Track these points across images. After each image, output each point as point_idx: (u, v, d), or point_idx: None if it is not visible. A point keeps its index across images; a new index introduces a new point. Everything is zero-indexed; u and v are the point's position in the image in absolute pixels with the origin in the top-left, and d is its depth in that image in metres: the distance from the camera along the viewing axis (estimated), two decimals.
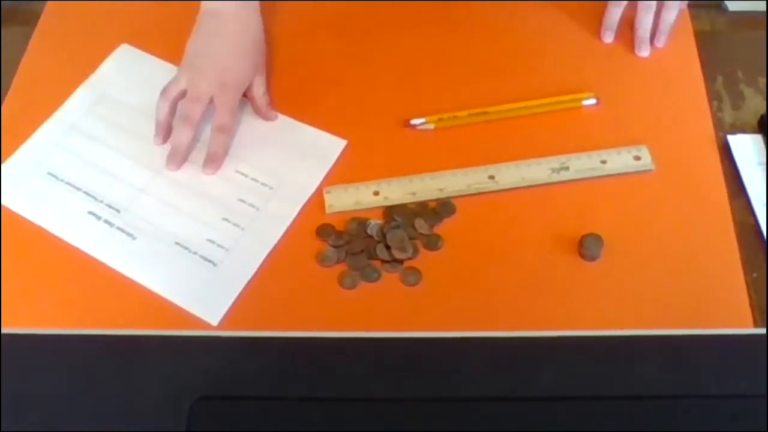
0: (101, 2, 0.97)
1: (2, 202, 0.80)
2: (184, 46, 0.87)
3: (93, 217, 0.80)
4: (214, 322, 0.72)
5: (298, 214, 0.79)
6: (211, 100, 0.83)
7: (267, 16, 0.93)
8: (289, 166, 0.83)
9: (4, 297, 0.74)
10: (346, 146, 0.84)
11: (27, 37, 0.94)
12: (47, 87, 0.89)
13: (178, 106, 0.84)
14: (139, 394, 0.62)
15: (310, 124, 0.86)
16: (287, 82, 0.89)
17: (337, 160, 0.83)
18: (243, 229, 0.79)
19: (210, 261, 0.77)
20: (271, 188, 0.81)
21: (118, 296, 0.75)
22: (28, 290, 0.75)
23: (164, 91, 0.84)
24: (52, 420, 0.61)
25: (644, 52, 0.90)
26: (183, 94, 0.84)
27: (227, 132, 0.83)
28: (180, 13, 0.90)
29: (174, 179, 0.82)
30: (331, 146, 0.84)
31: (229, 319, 0.73)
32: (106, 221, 0.79)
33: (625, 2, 0.91)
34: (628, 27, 0.91)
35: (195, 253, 0.77)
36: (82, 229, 0.79)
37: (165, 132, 0.84)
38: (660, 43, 0.90)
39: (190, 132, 0.82)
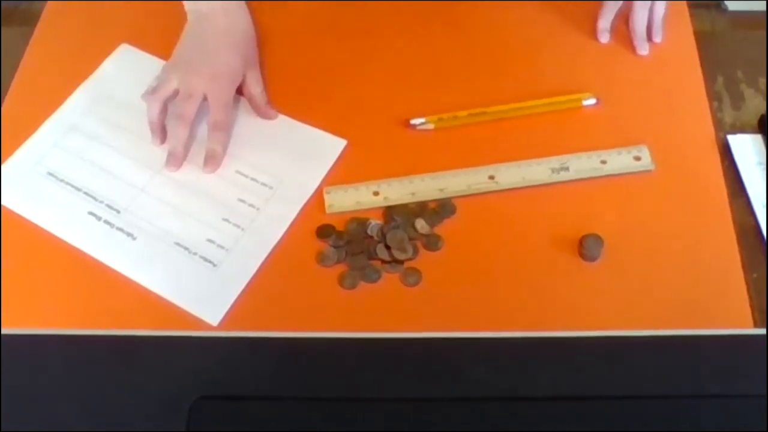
0: (101, 2, 0.97)
1: (2, 202, 0.80)
2: None
3: (93, 218, 0.79)
4: (215, 323, 0.72)
5: (298, 214, 0.79)
6: (204, 98, 0.83)
7: (268, 16, 0.93)
8: (289, 166, 0.83)
9: (4, 297, 0.74)
10: (346, 146, 0.84)
11: (27, 37, 0.94)
12: (47, 87, 0.89)
13: (171, 106, 0.84)
14: (139, 394, 0.61)
15: (311, 124, 0.86)
16: (288, 81, 0.89)
17: (337, 160, 0.83)
18: (243, 229, 0.79)
19: (210, 261, 0.77)
20: (271, 188, 0.81)
21: (118, 296, 0.75)
22: (28, 290, 0.75)
23: (154, 91, 0.84)
24: (52, 420, 0.61)
25: (644, 50, 0.90)
26: (174, 94, 0.84)
27: (223, 129, 0.83)
28: (180, 13, 0.90)
29: (174, 179, 0.82)
30: (331, 146, 0.84)
31: (229, 319, 0.73)
32: (106, 221, 0.79)
33: (620, 2, 0.90)
34: (626, 26, 0.91)
35: (195, 253, 0.77)
36: (82, 229, 0.79)
37: (160, 132, 0.84)
38: (657, 38, 0.90)
39: (185, 131, 0.82)
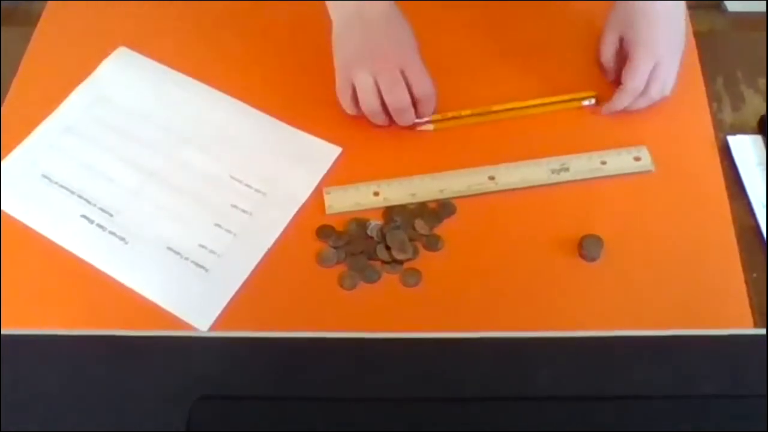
0: (101, 3, 0.97)
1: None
2: (182, 49, 0.88)
3: (85, 221, 0.79)
4: (204, 328, 0.72)
5: (294, 217, 0.79)
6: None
7: (267, 18, 0.93)
8: (282, 173, 0.82)
9: (3, 297, 0.74)
10: (343, 151, 0.84)
11: (27, 38, 0.94)
12: (47, 87, 0.89)
13: (387, 100, 0.82)
14: (139, 394, 0.61)
15: (311, 124, 0.86)
16: (287, 80, 0.90)
17: (337, 160, 0.83)
18: (235, 235, 0.78)
19: (201, 266, 0.76)
20: (264, 194, 0.81)
21: (116, 299, 0.75)
22: (24, 291, 0.75)
23: (345, 97, 0.84)
24: (52, 420, 0.60)
25: (606, 111, 0.86)
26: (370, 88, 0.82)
27: (433, 95, 0.84)
28: (178, 17, 0.90)
29: (168, 183, 0.82)
30: (326, 153, 0.84)
31: (229, 319, 0.73)
32: (98, 225, 0.79)
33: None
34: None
35: (186, 258, 0.77)
36: (74, 232, 0.79)
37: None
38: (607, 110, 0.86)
39: (411, 114, 0.84)
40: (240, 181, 0.82)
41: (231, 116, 0.87)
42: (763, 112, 0.85)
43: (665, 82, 0.83)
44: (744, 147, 0.83)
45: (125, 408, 0.61)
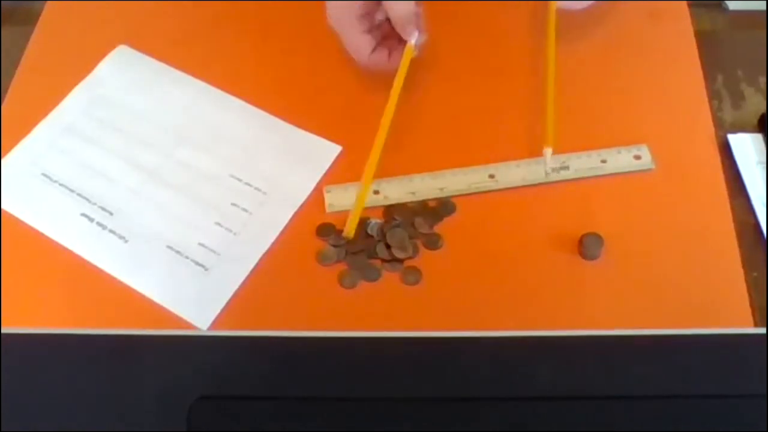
0: (101, 2, 0.97)
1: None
2: (182, 47, 0.87)
3: (86, 219, 0.79)
4: (204, 327, 0.72)
5: (294, 215, 0.79)
6: None
7: (267, 16, 0.93)
8: (282, 171, 0.82)
9: (3, 296, 0.74)
10: (343, 149, 0.83)
11: (27, 37, 0.94)
12: (47, 87, 0.89)
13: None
14: (139, 394, 0.61)
15: (309, 123, 0.86)
16: (287, 79, 0.89)
17: (337, 159, 0.83)
18: (235, 233, 0.78)
19: (201, 265, 0.76)
20: (264, 193, 0.81)
21: (116, 297, 0.75)
22: (24, 290, 0.75)
23: None
24: (52, 420, 0.61)
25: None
26: None
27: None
28: (178, 15, 0.90)
29: (168, 182, 0.82)
30: (326, 152, 0.83)
31: (228, 318, 0.73)
32: (98, 223, 0.79)
33: None
34: (621, 32, 0.91)
35: (187, 257, 0.77)
36: (74, 230, 0.78)
37: None
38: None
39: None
40: (240, 180, 0.82)
41: (231, 115, 0.87)
42: (764, 110, 0.85)
43: None
44: (744, 145, 0.83)
45: (124, 407, 0.61)
